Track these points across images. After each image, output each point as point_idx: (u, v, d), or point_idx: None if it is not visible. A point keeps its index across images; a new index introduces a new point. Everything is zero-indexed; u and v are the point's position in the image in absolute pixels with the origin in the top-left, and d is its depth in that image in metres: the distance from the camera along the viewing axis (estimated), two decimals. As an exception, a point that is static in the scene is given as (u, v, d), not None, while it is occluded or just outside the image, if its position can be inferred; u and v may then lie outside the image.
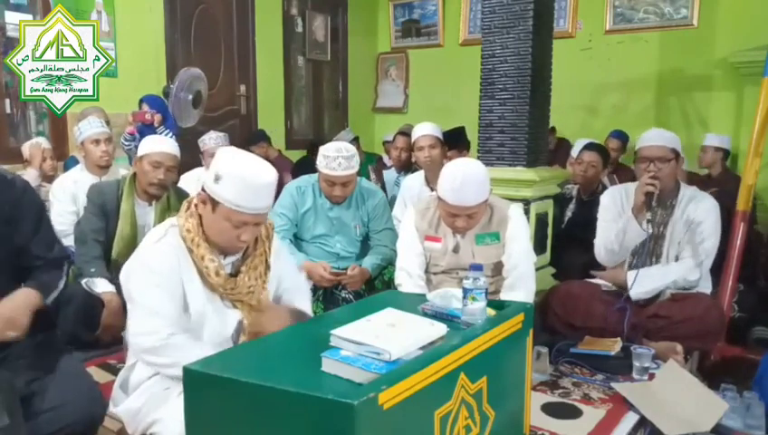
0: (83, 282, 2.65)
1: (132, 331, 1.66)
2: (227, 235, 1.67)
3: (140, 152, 2.83)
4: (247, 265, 1.77)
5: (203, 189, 1.69)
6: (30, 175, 3.37)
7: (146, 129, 3.90)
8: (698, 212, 2.65)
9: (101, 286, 2.65)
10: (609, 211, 2.82)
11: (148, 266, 1.65)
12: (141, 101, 4.13)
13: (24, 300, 1.62)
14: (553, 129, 4.62)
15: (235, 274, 1.75)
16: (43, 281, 1.71)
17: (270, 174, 1.67)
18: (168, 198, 2.89)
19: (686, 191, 2.74)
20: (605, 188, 3.61)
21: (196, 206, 1.72)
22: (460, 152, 4.02)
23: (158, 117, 4.02)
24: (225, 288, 1.71)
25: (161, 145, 2.85)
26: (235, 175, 1.60)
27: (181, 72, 4.21)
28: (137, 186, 2.84)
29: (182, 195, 3.02)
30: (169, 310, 1.62)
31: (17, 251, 1.71)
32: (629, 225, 2.63)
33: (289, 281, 1.94)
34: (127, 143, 3.98)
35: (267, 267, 1.82)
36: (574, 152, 4.09)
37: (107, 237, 2.78)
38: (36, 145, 3.64)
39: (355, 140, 5.55)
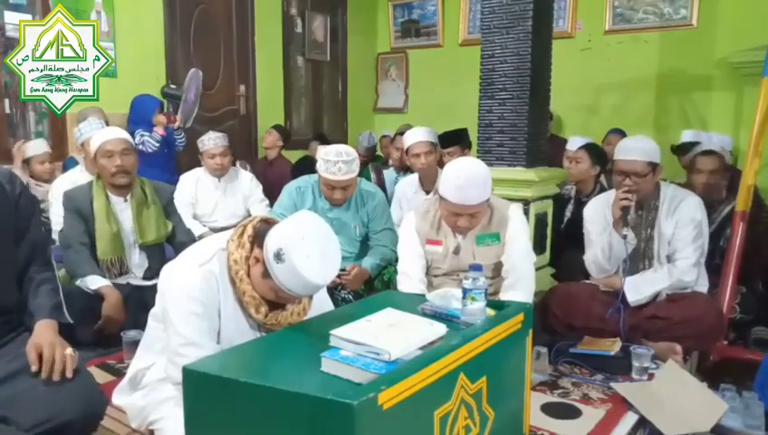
0: (77, 283, 2.65)
1: (168, 356, 1.65)
2: (270, 296, 1.63)
3: (92, 149, 2.80)
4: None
5: (260, 241, 1.60)
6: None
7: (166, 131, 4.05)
8: (684, 210, 2.64)
9: (96, 283, 2.65)
10: (594, 224, 2.81)
11: (189, 294, 1.61)
12: (133, 103, 4.15)
13: (50, 333, 1.67)
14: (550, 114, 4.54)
15: (276, 305, 1.69)
16: (50, 303, 1.74)
17: (329, 276, 1.59)
18: (144, 190, 2.87)
19: (668, 190, 2.72)
20: (603, 188, 3.62)
21: (251, 239, 1.65)
22: (462, 150, 4.02)
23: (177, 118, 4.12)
24: (266, 323, 1.67)
25: (108, 134, 2.82)
26: (296, 269, 1.51)
27: (191, 73, 4.22)
28: (104, 183, 2.81)
29: (160, 188, 2.99)
30: (205, 341, 1.60)
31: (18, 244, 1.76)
32: (612, 239, 2.63)
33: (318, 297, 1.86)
34: (157, 144, 4.02)
35: (310, 297, 1.76)
36: (571, 146, 4.06)
37: (90, 239, 2.77)
38: (17, 149, 3.70)
39: (373, 147, 5.50)
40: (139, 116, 4.14)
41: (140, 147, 3.84)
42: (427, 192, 3.58)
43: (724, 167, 3.29)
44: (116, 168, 2.74)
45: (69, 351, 1.63)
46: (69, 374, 1.59)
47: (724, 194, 3.25)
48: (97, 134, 2.89)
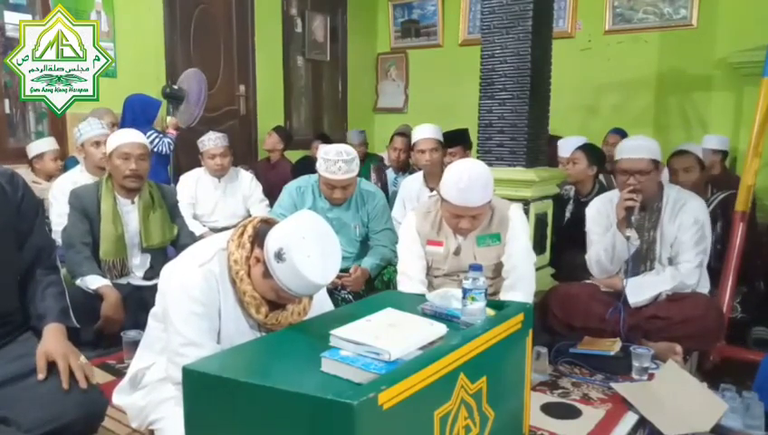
0: (77, 282, 2.65)
1: (168, 356, 1.65)
2: (270, 296, 1.63)
3: (108, 148, 2.80)
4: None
5: (260, 241, 1.60)
6: None
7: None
8: (687, 213, 2.64)
9: (96, 282, 2.65)
10: (597, 224, 2.81)
11: (189, 293, 1.60)
12: (131, 103, 4.14)
13: (62, 341, 1.66)
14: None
15: (276, 305, 1.68)
16: (58, 307, 1.73)
17: (329, 276, 1.59)
18: (151, 193, 2.88)
19: (671, 192, 2.72)
20: (602, 187, 3.62)
21: (251, 240, 1.64)
22: (464, 151, 4.02)
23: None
24: (267, 323, 1.67)
25: (127, 137, 2.82)
26: (296, 268, 1.50)
27: (191, 73, 4.21)
28: (113, 184, 2.81)
29: (165, 191, 3.01)
30: (206, 341, 1.60)
31: (19, 247, 1.74)
32: (616, 240, 2.63)
33: (318, 297, 1.85)
34: (174, 145, 4.07)
35: (310, 297, 1.75)
36: (563, 152, 4.07)
37: (93, 239, 2.77)
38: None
39: (363, 142, 5.45)
40: (142, 116, 4.11)
41: (155, 148, 3.84)
42: (431, 189, 3.58)
43: (701, 165, 3.32)
44: (130, 171, 2.75)
45: (82, 359, 1.63)
46: (85, 384, 1.58)
47: (709, 193, 3.26)
48: (116, 134, 2.90)
